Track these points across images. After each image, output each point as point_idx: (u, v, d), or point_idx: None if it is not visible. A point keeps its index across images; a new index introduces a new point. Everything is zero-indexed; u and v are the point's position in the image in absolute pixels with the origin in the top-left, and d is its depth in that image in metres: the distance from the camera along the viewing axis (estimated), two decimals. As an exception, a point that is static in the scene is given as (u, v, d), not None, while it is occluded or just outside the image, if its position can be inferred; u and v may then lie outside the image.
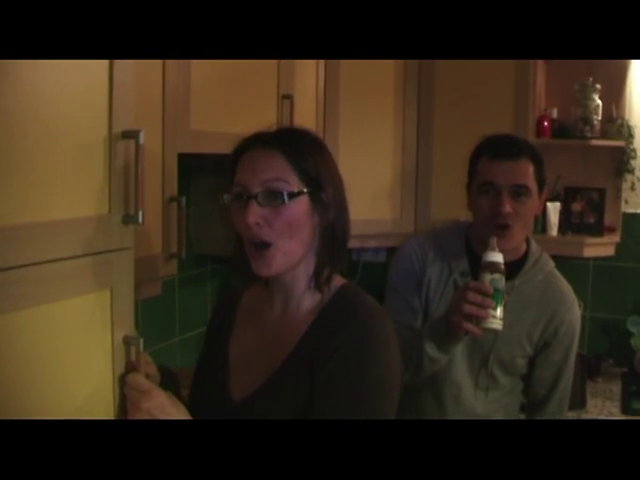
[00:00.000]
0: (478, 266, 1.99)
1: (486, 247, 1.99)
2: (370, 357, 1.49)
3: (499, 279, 1.93)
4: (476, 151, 2.25)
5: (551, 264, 2.33)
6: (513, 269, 2.20)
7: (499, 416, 2.36)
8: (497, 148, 2.19)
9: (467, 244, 2.31)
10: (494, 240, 1.97)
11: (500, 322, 1.92)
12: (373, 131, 3.29)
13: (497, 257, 1.95)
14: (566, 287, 2.32)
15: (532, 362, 2.32)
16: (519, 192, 2.15)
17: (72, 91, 1.27)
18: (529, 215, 2.21)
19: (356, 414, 1.46)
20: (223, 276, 3.20)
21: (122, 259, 1.40)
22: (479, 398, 2.32)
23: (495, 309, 1.91)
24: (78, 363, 1.32)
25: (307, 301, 1.61)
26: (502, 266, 1.94)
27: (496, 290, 1.92)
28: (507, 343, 2.19)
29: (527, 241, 2.31)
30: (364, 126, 3.26)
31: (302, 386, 1.51)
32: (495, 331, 1.95)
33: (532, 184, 2.17)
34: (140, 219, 1.40)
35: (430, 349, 2.05)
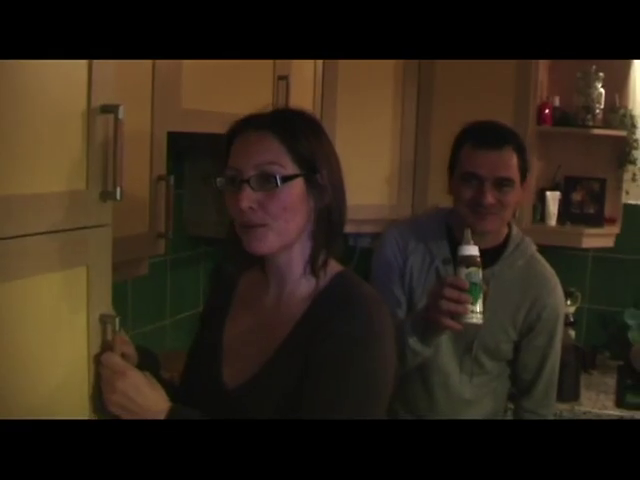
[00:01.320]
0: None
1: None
2: (364, 349, 1.47)
3: (476, 272, 1.91)
4: (459, 137, 2.25)
5: (533, 248, 2.33)
6: (494, 255, 2.22)
7: (488, 401, 2.38)
8: (481, 137, 2.19)
9: (448, 231, 2.30)
10: (469, 232, 1.95)
11: (480, 316, 1.91)
12: (372, 117, 3.26)
13: (472, 250, 1.92)
14: (548, 271, 2.32)
15: (517, 347, 2.32)
16: (502, 183, 2.15)
17: (50, 63, 1.24)
18: (512, 204, 2.20)
19: (344, 406, 1.45)
20: (216, 259, 3.17)
21: (99, 236, 1.37)
22: (466, 383, 2.33)
23: (474, 303, 1.89)
24: (52, 341, 1.30)
25: (303, 287, 1.59)
26: (478, 259, 1.92)
27: (473, 284, 1.90)
28: (491, 329, 2.19)
29: (508, 225, 2.30)
30: (362, 112, 3.22)
31: (296, 373, 1.49)
32: (476, 325, 1.94)
33: (515, 174, 2.17)
34: (118, 196, 1.37)
35: (413, 343, 2.05)
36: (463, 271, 1.92)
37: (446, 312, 1.90)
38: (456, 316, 1.91)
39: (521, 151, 2.19)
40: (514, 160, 2.16)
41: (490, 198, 2.13)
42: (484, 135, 2.19)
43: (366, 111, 3.23)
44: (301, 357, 1.49)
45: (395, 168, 3.33)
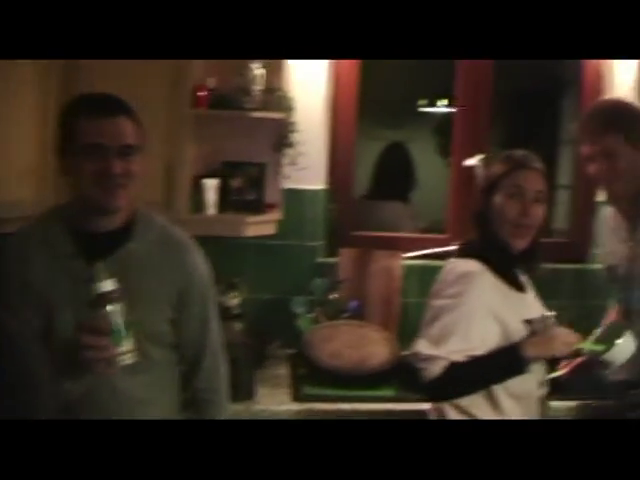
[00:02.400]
0: (86, 244, 1.98)
1: (92, 217, 2.06)
2: None
3: (117, 310, 1.83)
4: (71, 110, 2.15)
5: (161, 218, 2.31)
6: (125, 232, 2.18)
7: (164, 397, 2.23)
8: (97, 106, 2.11)
9: (69, 223, 2.15)
10: (99, 267, 1.89)
11: (131, 354, 1.87)
12: (12, 102, 2.81)
13: (108, 285, 1.86)
14: (183, 236, 2.31)
15: (177, 325, 2.22)
16: (126, 152, 2.10)
17: None
18: (137, 174, 2.14)
19: None
20: None
21: None
22: (133, 382, 2.10)
23: (119, 344, 1.82)
24: None
25: None
26: (116, 294, 1.85)
27: (116, 324, 1.82)
28: (144, 311, 2.08)
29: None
30: (2, 95, 2.77)
31: None
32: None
33: (136, 142, 2.14)
34: None
35: (71, 386, 1.94)
36: (102, 311, 1.82)
37: (91, 359, 1.82)
38: (104, 362, 1.83)
39: (135, 118, 2.16)
40: (132, 128, 2.13)
41: (117, 167, 2.07)
42: (100, 104, 2.12)
43: (6, 97, 2.78)
44: None
45: (37, 159, 2.92)
